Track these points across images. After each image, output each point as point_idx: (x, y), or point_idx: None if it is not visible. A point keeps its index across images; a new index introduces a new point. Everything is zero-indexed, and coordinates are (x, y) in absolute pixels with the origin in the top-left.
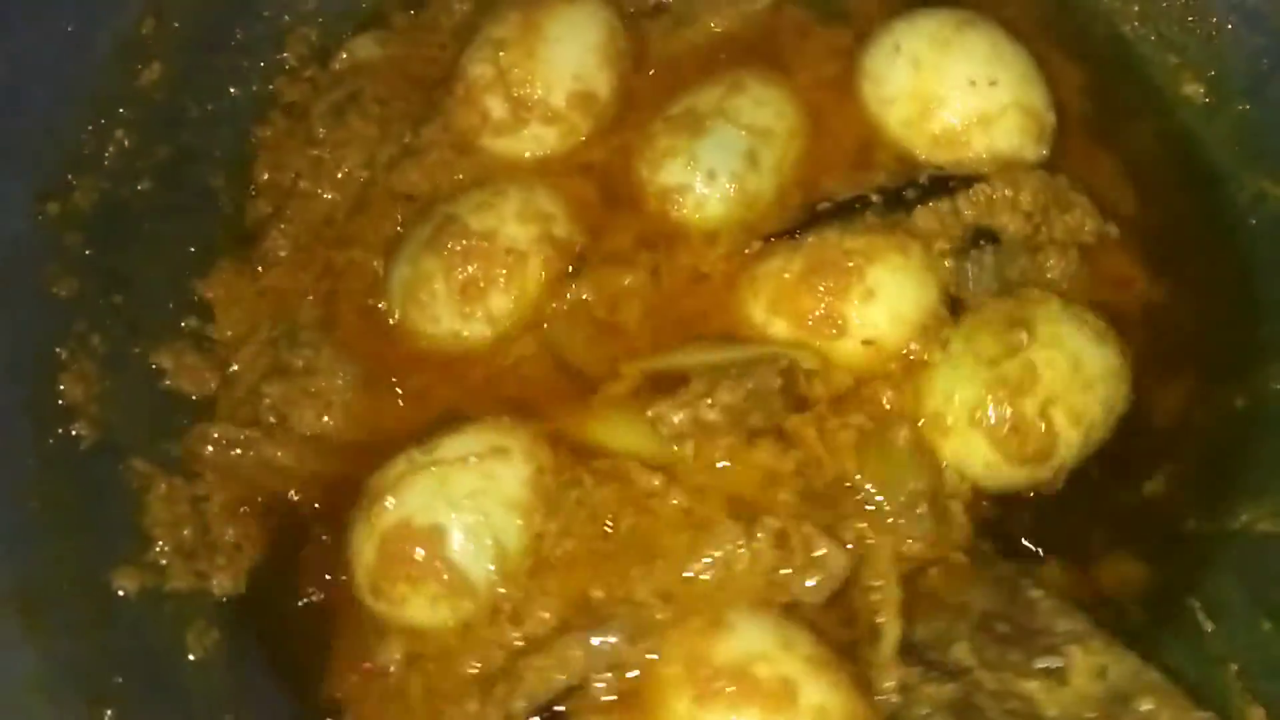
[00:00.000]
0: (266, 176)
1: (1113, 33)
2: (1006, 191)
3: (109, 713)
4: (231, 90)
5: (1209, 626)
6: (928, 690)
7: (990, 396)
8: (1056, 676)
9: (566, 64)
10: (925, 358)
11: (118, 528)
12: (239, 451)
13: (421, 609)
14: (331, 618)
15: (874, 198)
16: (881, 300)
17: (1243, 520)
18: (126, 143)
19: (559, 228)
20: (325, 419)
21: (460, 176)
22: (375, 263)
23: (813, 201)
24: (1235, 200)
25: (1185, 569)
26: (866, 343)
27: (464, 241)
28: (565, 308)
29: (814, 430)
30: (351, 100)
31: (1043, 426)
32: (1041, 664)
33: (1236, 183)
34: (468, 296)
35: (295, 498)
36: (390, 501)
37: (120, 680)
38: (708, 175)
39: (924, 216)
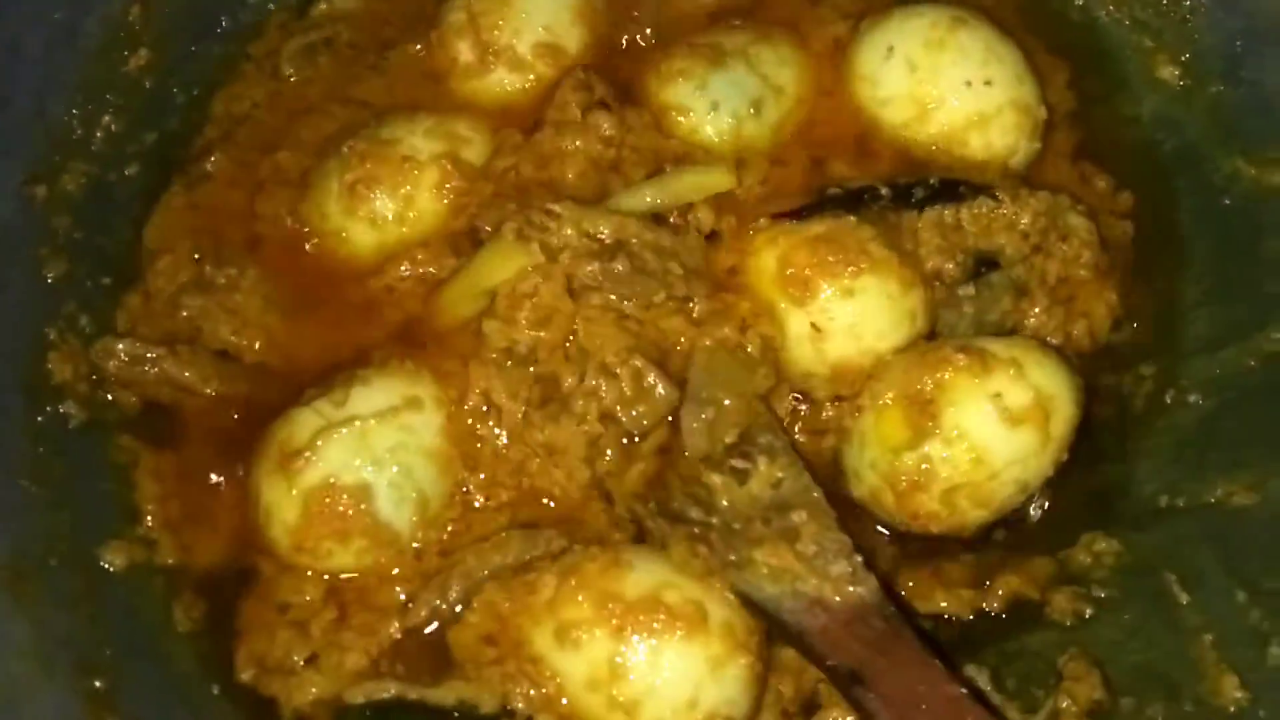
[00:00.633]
0: (222, 108)
1: (1088, 18)
2: (1009, 210)
3: (98, 683)
4: (218, 77)
5: (1184, 599)
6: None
7: (889, 487)
8: (739, 477)
9: (538, 14)
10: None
11: (106, 503)
12: (144, 368)
13: (346, 560)
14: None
15: (884, 190)
16: (855, 305)
17: (1218, 494)
18: (114, 128)
19: (470, 151)
20: (239, 338)
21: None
22: (302, 165)
23: (823, 185)
24: (1210, 181)
25: (1161, 544)
26: (814, 326)
27: (363, 144)
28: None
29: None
30: (325, 44)
31: (945, 512)
32: (732, 463)
33: (1211, 163)
34: (355, 195)
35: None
36: (309, 458)
37: (109, 652)
38: (711, 105)
39: (928, 226)
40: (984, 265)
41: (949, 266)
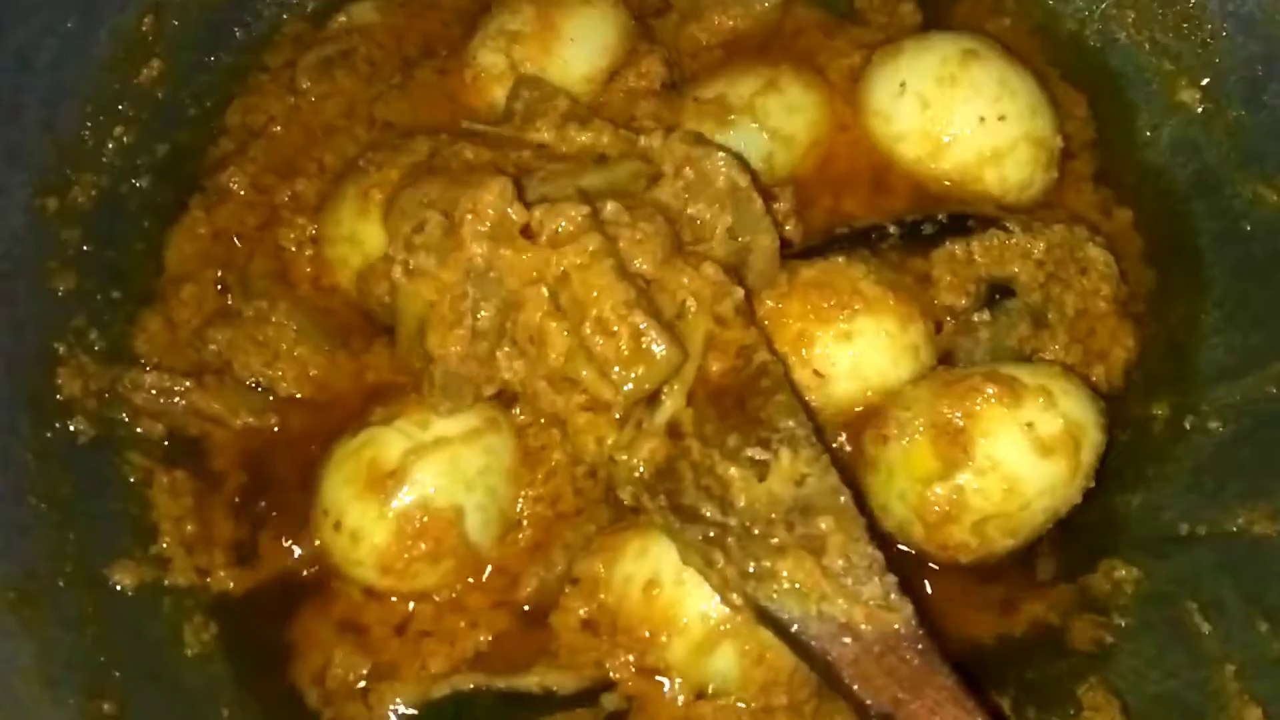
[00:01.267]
0: (238, 119)
1: (1106, 41)
2: (1020, 240)
3: (106, 706)
4: (231, 89)
5: (1205, 628)
6: (644, 442)
7: (919, 519)
8: (758, 470)
9: (580, 65)
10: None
11: (115, 522)
12: (172, 400)
13: (431, 580)
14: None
15: (891, 229)
16: (854, 347)
17: (1239, 523)
18: (125, 139)
19: None
20: (272, 370)
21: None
22: (322, 193)
23: (832, 225)
24: (1231, 205)
25: (1181, 572)
26: (817, 373)
27: (382, 155)
28: None
29: None
30: (342, 57)
31: (975, 542)
32: (749, 453)
33: (1231, 188)
34: (369, 200)
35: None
36: (402, 480)
37: (118, 674)
38: None
39: (939, 263)
40: (998, 292)
41: (962, 302)
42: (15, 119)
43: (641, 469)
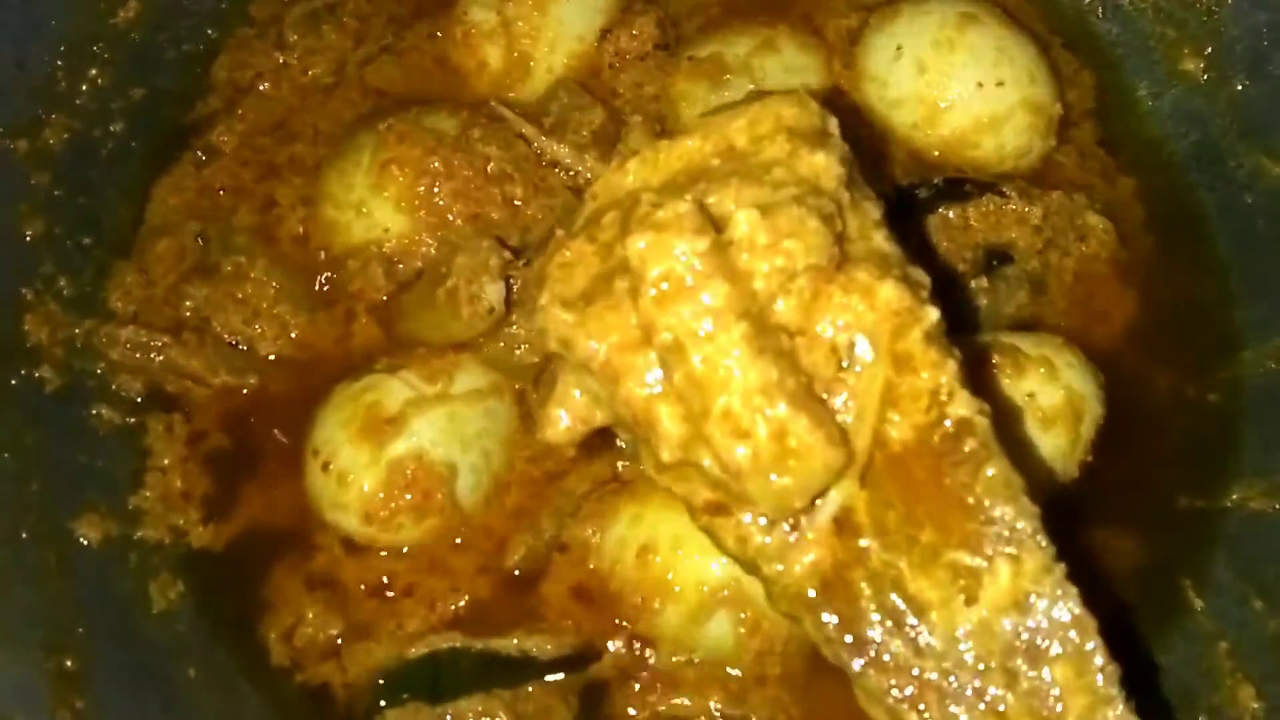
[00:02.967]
0: (224, 75)
1: (1110, 6)
2: (1017, 206)
3: (69, 662)
4: (209, 32)
5: (1199, 604)
6: (803, 551)
7: None
8: (964, 586)
9: (574, 24)
10: None
11: (82, 475)
12: (149, 356)
13: (413, 535)
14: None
15: (888, 194)
16: None
17: (1234, 498)
18: (100, 82)
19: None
20: (251, 328)
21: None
22: (317, 155)
23: None
24: (1233, 176)
25: (1177, 546)
26: None
27: (403, 126)
28: None
29: None
30: (329, 11)
31: None
32: (951, 559)
33: (1234, 159)
34: (386, 172)
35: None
36: (401, 427)
37: (81, 630)
38: None
39: (935, 231)
40: (996, 258)
41: (960, 266)
42: None
43: (800, 585)
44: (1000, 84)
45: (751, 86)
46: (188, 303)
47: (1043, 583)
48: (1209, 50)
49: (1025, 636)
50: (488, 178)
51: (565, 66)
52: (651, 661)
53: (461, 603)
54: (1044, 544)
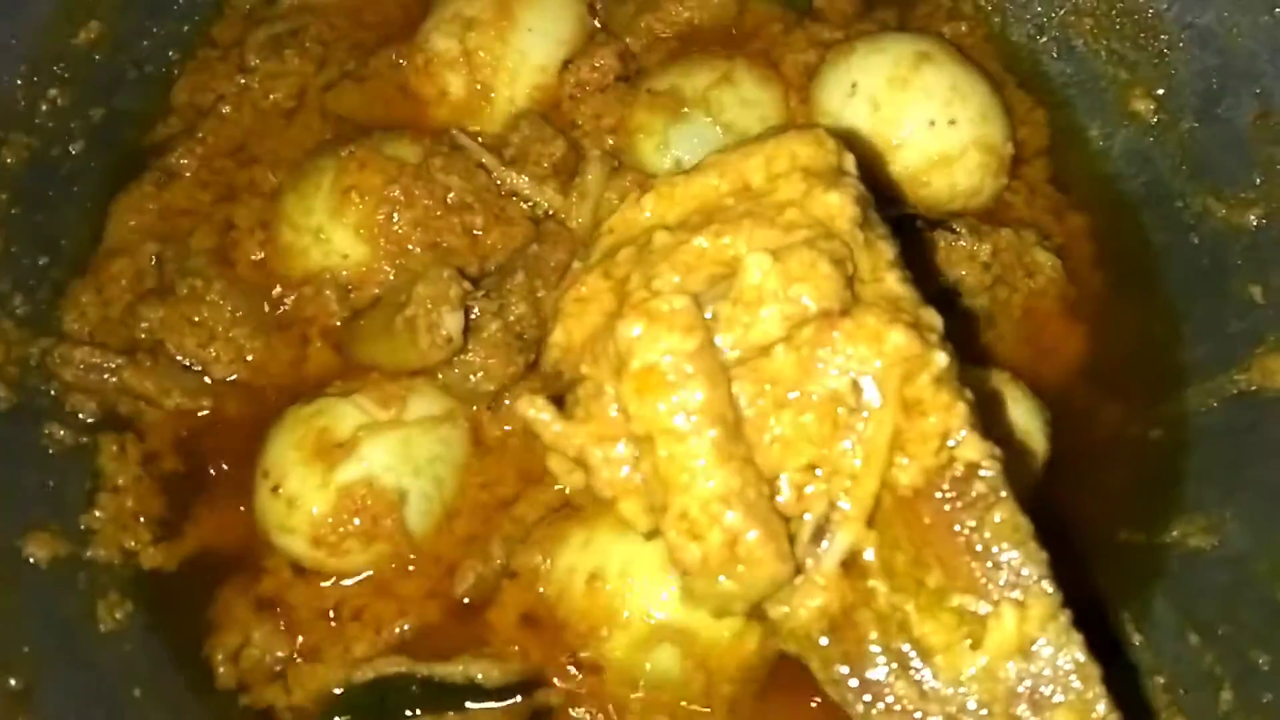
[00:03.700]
0: (185, 97)
1: (1064, 47)
2: (967, 243)
3: (13, 681)
4: (170, 54)
5: (1137, 639)
6: (812, 584)
7: None
8: (969, 630)
9: (536, 56)
10: None
11: (31, 493)
12: (102, 377)
13: (359, 562)
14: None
15: None
16: None
17: (1175, 534)
18: (60, 101)
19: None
20: (206, 351)
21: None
22: (273, 180)
23: None
24: (1180, 217)
25: (1117, 580)
26: None
27: (364, 153)
28: None
29: None
30: (292, 35)
31: None
32: (958, 603)
33: (1182, 199)
34: (346, 199)
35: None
36: (351, 452)
37: (26, 649)
38: (675, 163)
39: None
40: (945, 294)
41: None
42: None
43: (808, 628)
44: (953, 123)
45: (708, 119)
46: (143, 324)
47: (1048, 629)
48: (1160, 92)
49: (1029, 683)
50: (448, 207)
51: (527, 97)
52: (598, 689)
53: (409, 627)
54: (1050, 590)
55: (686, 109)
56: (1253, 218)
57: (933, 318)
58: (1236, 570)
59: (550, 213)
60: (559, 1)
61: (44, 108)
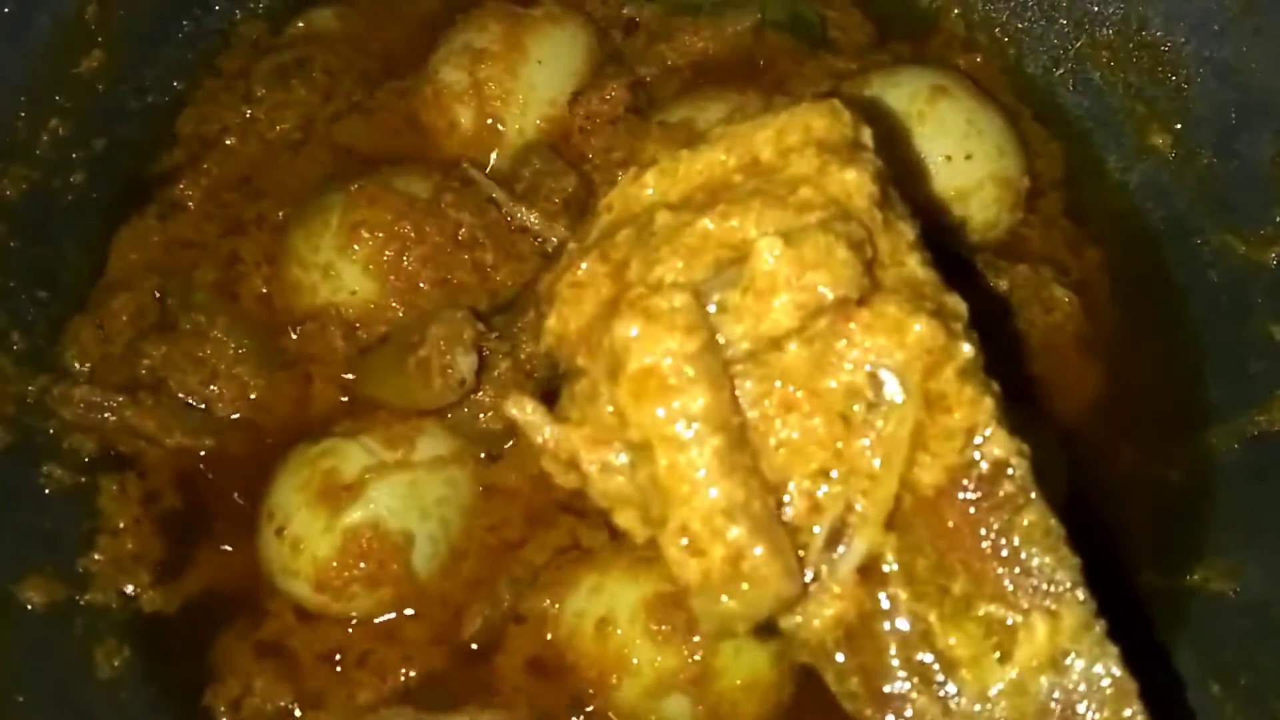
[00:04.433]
0: (190, 128)
1: (1081, 80)
2: (988, 279)
3: None
4: (174, 84)
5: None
6: (827, 592)
7: None
8: (997, 643)
9: (546, 88)
10: None
11: (27, 535)
12: (102, 415)
13: (364, 605)
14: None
15: None
16: None
17: (1195, 579)
18: (61, 131)
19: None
20: (208, 388)
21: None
22: (280, 214)
23: None
24: (1199, 253)
25: (1137, 623)
26: None
27: (372, 188)
28: None
29: None
30: (298, 65)
31: None
32: (984, 612)
33: (1201, 235)
34: (355, 235)
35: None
36: (358, 494)
37: (21, 698)
38: None
39: None
40: None
41: None
42: None
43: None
44: (969, 157)
45: None
46: (145, 361)
47: (1082, 641)
48: (1178, 126)
49: (1060, 697)
50: (458, 243)
51: (536, 129)
52: None
53: (414, 674)
54: (1084, 598)
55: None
56: (1273, 256)
57: (958, 304)
58: (1258, 616)
59: (559, 248)
60: (569, 33)
61: (44, 138)
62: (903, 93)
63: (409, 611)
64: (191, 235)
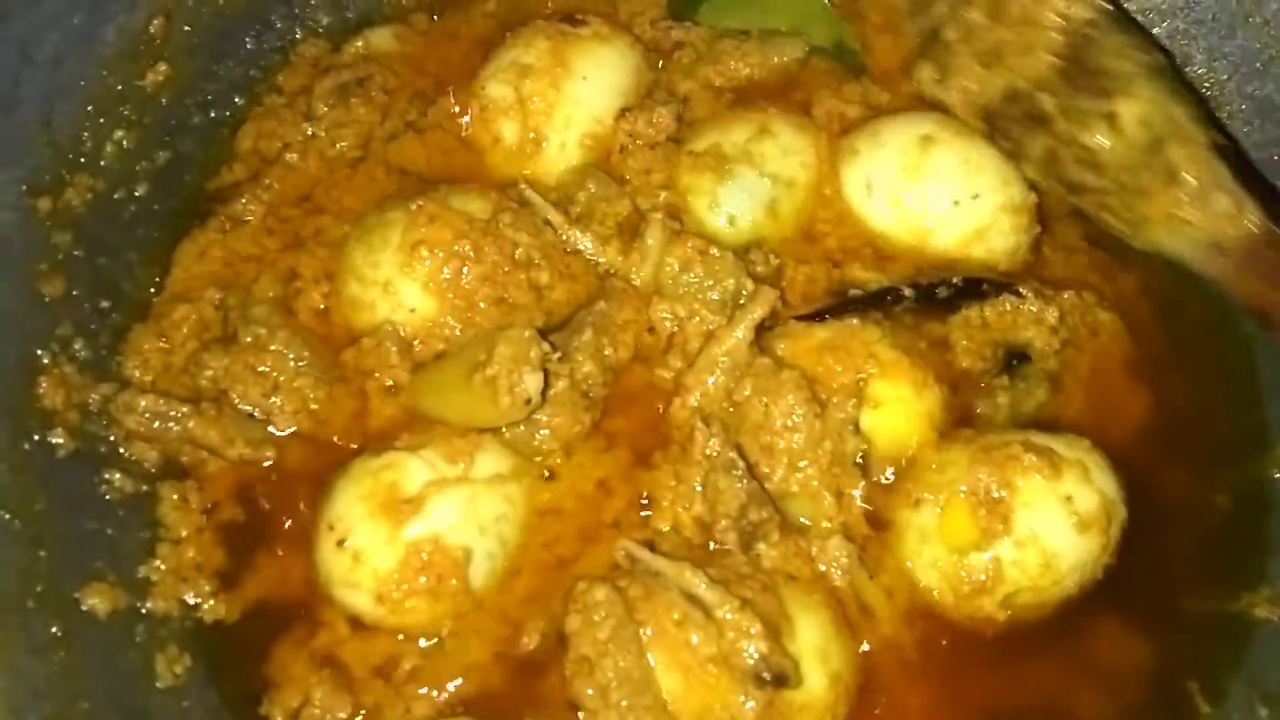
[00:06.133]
0: (249, 144)
1: None
2: (1034, 306)
3: None
4: (236, 100)
5: (1205, 709)
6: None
7: (951, 589)
8: (1113, 124)
9: (590, 104)
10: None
11: (90, 542)
12: (165, 425)
13: (422, 619)
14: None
15: (907, 291)
16: (868, 413)
17: (1244, 604)
18: (125, 144)
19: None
20: (270, 401)
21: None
22: (343, 230)
23: (844, 288)
24: None
25: (1186, 649)
26: None
27: (432, 206)
28: None
29: None
30: (359, 85)
31: (1003, 615)
32: (1094, 107)
33: None
34: (415, 253)
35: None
36: (420, 508)
37: (86, 705)
38: (729, 220)
39: (956, 328)
40: (1015, 357)
41: (980, 365)
42: (11, 113)
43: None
44: (976, 197)
45: (755, 172)
46: (207, 372)
47: (1152, 103)
48: None
49: (1153, 136)
50: (515, 263)
51: (578, 144)
52: None
53: (470, 688)
54: (1162, 68)
55: (730, 165)
56: None
57: None
58: None
59: (614, 271)
60: (616, 51)
61: (109, 149)
62: (892, 151)
63: (466, 625)
64: (252, 249)
